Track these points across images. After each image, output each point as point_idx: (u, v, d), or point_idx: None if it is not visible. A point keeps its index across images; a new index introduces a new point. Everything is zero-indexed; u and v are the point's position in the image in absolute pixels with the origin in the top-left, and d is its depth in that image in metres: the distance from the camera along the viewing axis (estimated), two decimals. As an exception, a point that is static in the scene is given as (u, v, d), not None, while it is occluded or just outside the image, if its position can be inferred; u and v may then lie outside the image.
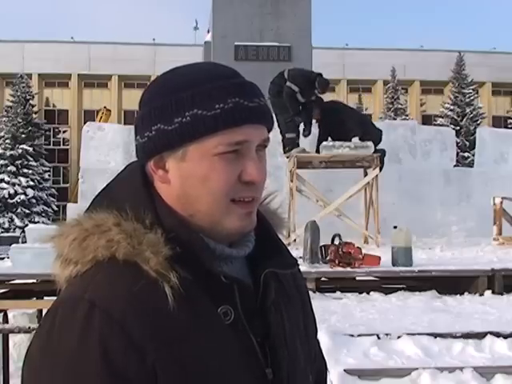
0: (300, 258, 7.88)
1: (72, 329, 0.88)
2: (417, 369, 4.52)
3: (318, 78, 11.35)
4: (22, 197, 43.89)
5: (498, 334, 5.17)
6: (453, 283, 7.80)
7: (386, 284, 8.34)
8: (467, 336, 5.17)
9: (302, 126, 11.70)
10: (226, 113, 0.94)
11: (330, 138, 11.38)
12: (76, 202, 18.79)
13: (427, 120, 49.28)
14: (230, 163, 0.96)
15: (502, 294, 7.51)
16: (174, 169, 0.97)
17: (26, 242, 14.63)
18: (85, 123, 16.75)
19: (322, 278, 8.16)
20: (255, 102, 0.97)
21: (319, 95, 11.55)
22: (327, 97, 12.26)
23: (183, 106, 0.95)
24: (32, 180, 45.18)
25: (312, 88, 11.34)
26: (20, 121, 46.61)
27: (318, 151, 11.46)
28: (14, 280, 8.68)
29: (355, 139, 11.36)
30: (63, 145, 55.16)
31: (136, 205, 0.97)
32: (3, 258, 12.88)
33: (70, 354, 0.87)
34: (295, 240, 10.86)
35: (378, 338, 5.12)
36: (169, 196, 0.98)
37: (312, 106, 11.53)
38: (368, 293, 7.64)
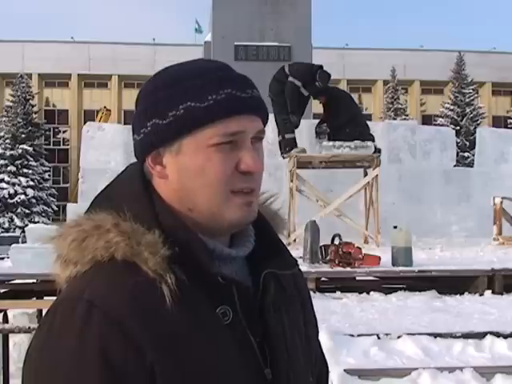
0: (300, 257, 7.88)
1: (71, 328, 0.88)
2: (417, 369, 4.52)
3: (319, 71, 11.32)
4: (22, 197, 43.84)
5: (498, 334, 5.17)
6: (453, 283, 7.80)
7: (386, 284, 8.34)
8: (467, 336, 5.18)
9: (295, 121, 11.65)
10: (219, 103, 0.95)
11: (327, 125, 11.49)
12: (76, 202, 18.78)
13: (427, 120, 49.20)
14: (226, 154, 0.96)
15: (502, 294, 7.51)
16: (170, 163, 0.97)
17: (25, 241, 14.61)
18: (85, 123, 16.73)
19: (322, 278, 8.17)
20: (248, 93, 0.98)
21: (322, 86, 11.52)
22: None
23: (176, 99, 0.96)
24: (32, 180, 45.12)
25: (314, 81, 11.32)
26: (20, 121, 46.57)
27: (318, 136, 11.53)
28: (14, 280, 8.68)
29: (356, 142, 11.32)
30: (63, 145, 55.14)
31: (135, 205, 0.97)
32: (3, 258, 12.88)
33: (69, 354, 0.87)
34: (295, 240, 10.84)
35: (378, 337, 5.12)
36: (167, 192, 0.99)
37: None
38: (368, 293, 7.65)
